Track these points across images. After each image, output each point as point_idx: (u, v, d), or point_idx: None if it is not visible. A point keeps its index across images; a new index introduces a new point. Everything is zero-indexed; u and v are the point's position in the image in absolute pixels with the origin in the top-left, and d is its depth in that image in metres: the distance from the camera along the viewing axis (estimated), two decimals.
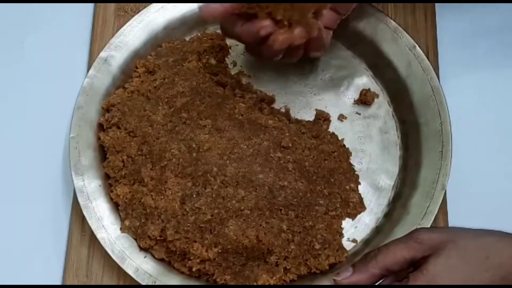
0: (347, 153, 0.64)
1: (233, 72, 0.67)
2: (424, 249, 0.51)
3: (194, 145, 0.60)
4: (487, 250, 0.50)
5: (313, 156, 0.62)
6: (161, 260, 0.59)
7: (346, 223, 0.62)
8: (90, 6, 0.71)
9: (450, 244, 0.51)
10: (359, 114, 0.66)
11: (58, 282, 0.62)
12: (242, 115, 0.63)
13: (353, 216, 0.62)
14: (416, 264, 0.51)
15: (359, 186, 0.63)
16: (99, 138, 0.63)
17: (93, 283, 0.61)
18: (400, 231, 0.59)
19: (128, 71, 0.66)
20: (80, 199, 0.60)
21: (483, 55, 0.69)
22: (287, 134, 0.62)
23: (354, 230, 0.62)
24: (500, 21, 0.70)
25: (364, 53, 0.67)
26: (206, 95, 0.63)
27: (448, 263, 0.50)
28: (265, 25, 0.55)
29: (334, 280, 0.55)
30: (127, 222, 0.60)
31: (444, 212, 0.62)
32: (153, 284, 0.58)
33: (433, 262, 0.50)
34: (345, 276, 0.54)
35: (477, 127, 0.66)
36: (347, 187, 0.62)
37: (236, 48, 0.68)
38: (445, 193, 0.60)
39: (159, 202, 0.59)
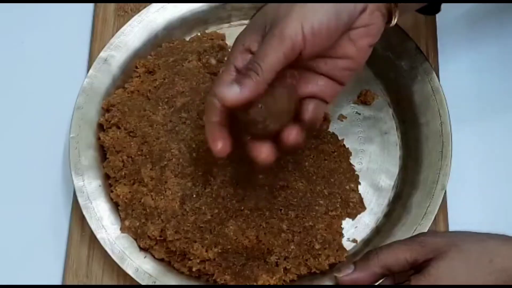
0: (347, 153, 0.64)
1: None
2: (427, 252, 0.51)
3: (194, 145, 0.60)
4: (490, 254, 0.50)
5: (313, 156, 0.62)
6: (161, 260, 0.59)
7: (346, 223, 0.62)
8: (90, 6, 0.71)
9: (453, 248, 0.50)
10: (359, 114, 0.66)
11: (58, 282, 0.62)
12: None
13: (353, 216, 0.62)
14: (418, 268, 0.51)
15: (359, 186, 0.63)
16: (99, 138, 0.63)
17: (93, 283, 0.61)
18: (400, 231, 0.59)
19: (128, 71, 0.66)
20: (80, 199, 0.60)
21: (483, 55, 0.69)
22: None
23: (354, 230, 0.62)
24: (500, 21, 0.70)
25: None
26: (206, 95, 0.63)
27: (451, 266, 0.50)
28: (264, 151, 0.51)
29: (335, 276, 0.55)
30: (127, 222, 0.60)
31: (444, 212, 0.62)
32: (153, 284, 0.58)
33: (435, 265, 0.50)
34: (347, 272, 0.54)
35: (477, 127, 0.66)
36: (347, 187, 0.62)
37: None
38: (445, 193, 0.60)
39: (159, 202, 0.59)
